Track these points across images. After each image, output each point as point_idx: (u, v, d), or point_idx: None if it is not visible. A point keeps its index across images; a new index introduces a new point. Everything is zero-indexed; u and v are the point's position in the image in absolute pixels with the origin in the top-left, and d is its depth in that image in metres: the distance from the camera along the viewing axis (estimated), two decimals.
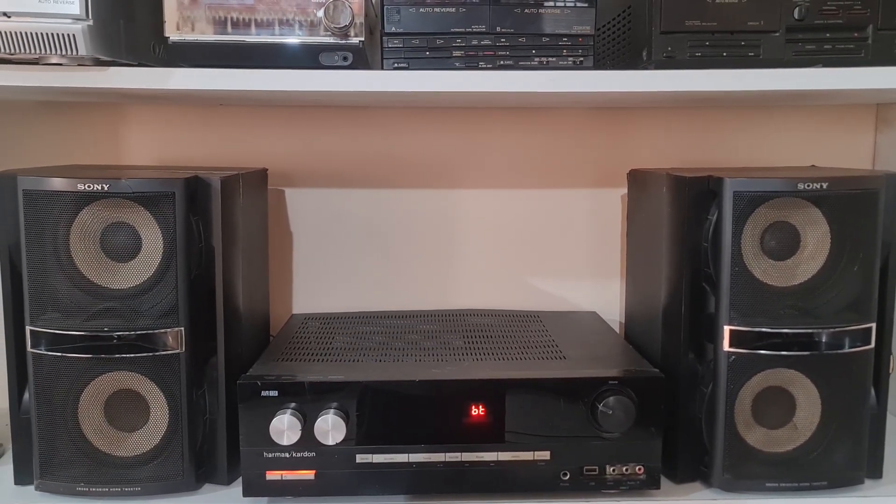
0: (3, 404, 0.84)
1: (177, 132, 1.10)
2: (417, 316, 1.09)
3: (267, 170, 1.05)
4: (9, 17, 0.73)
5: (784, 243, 0.81)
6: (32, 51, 0.74)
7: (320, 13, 0.79)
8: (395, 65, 0.83)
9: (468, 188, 1.14)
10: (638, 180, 1.03)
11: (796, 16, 0.82)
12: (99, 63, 0.77)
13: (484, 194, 1.14)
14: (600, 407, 0.79)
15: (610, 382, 0.80)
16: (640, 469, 0.81)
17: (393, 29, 0.83)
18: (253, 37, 0.80)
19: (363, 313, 1.11)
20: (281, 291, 1.13)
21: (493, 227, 1.15)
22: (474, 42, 0.82)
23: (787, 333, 0.81)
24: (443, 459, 0.80)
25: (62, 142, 1.09)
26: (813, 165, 1.09)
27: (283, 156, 1.11)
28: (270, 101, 1.04)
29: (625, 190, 1.12)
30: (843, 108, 1.12)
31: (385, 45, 0.83)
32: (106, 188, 0.77)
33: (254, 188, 0.97)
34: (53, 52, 0.74)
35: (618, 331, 1.12)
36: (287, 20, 0.80)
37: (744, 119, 1.13)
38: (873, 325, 0.82)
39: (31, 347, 0.79)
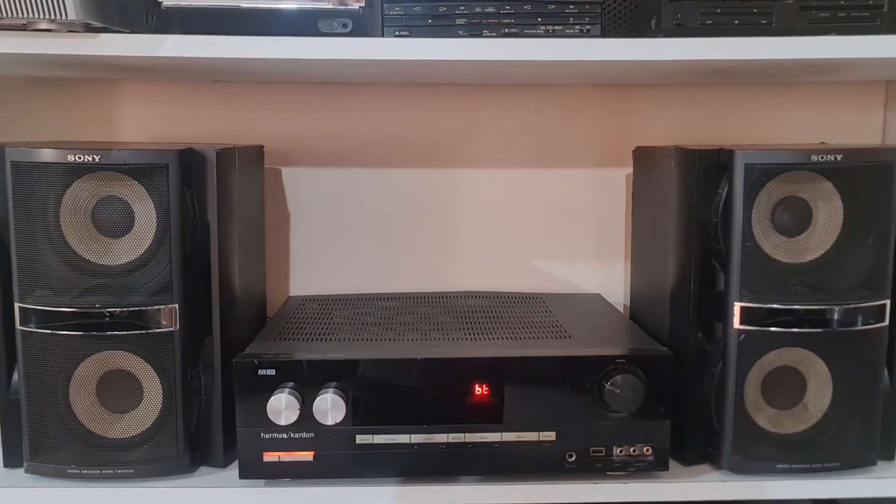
0: None
1: (171, 110, 1.08)
2: (418, 298, 1.07)
3: (263, 146, 1.02)
4: None
5: (796, 218, 0.80)
6: (20, 14, 0.71)
7: None
8: (397, 33, 0.80)
9: (469, 168, 1.11)
10: (644, 157, 1.00)
11: None
12: (90, 29, 0.75)
13: (485, 174, 1.11)
14: (607, 386, 0.77)
15: (617, 361, 0.78)
16: (647, 450, 0.79)
17: None
18: (249, 2, 0.78)
19: (362, 295, 1.09)
20: (277, 273, 1.11)
21: (494, 208, 1.12)
22: (478, 10, 0.80)
23: (798, 310, 0.79)
24: (445, 440, 0.78)
25: (54, 120, 1.06)
26: (823, 143, 1.07)
27: (281, 134, 1.09)
28: (267, 76, 1.02)
29: (629, 170, 1.09)
30: (853, 85, 1.10)
31: (386, 12, 0.80)
32: (97, 159, 0.75)
33: (250, 164, 0.94)
34: (42, 16, 0.71)
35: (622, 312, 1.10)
36: None
37: (751, 96, 1.10)
38: (887, 301, 0.80)
39: (21, 325, 0.77)
